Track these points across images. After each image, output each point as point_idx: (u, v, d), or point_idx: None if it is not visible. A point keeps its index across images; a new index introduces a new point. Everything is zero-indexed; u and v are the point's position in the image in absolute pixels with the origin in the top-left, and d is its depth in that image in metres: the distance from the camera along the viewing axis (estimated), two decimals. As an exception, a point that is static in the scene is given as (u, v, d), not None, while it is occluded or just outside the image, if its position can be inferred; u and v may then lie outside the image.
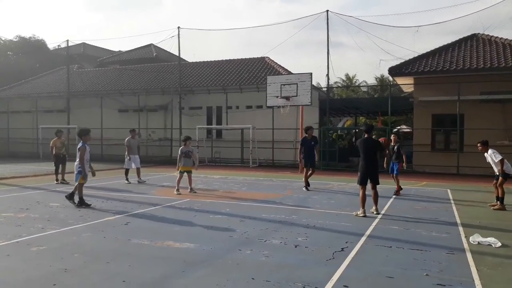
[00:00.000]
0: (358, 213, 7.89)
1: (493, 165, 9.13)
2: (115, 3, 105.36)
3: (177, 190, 10.74)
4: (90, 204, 8.78)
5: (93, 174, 9.26)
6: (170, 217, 7.65)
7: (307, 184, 11.77)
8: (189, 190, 10.93)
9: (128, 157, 13.22)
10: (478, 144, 9.28)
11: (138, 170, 13.44)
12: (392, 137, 11.28)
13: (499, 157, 8.85)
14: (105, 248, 5.51)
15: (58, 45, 33.60)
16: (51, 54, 37.00)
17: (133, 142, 13.40)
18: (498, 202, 8.92)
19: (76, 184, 8.87)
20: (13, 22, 76.61)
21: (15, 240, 5.83)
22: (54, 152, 12.99)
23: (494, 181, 9.17)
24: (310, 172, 11.80)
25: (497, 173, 9.02)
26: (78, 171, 8.74)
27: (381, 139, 9.89)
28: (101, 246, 5.61)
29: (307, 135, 11.83)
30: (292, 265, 4.84)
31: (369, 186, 8.12)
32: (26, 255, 5.16)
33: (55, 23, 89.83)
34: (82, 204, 8.70)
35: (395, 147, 10.79)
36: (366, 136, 8.31)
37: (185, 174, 11.01)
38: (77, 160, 8.79)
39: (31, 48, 36.12)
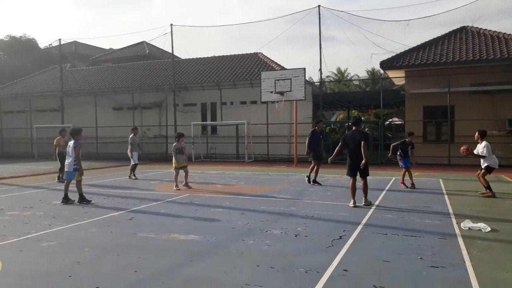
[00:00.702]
0: (349, 204, 8.16)
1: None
2: (105, 0, 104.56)
3: (176, 186, 10.96)
4: (91, 201, 8.97)
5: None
6: (172, 212, 7.88)
7: (315, 179, 11.55)
8: (183, 183, 11.14)
9: (131, 154, 13.68)
10: (477, 133, 9.53)
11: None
12: (408, 135, 11.30)
13: (485, 154, 9.20)
14: (113, 242, 5.72)
15: (50, 44, 33.45)
16: (43, 53, 36.85)
17: (136, 140, 14.02)
18: (487, 190, 9.27)
19: (65, 184, 9.07)
20: (3, 21, 75.84)
21: (24, 237, 6.02)
22: (57, 151, 13.07)
23: (478, 171, 9.51)
24: (316, 167, 11.53)
25: (482, 165, 9.39)
26: (74, 169, 8.85)
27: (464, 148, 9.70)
28: (109, 240, 5.83)
29: (316, 127, 11.74)
30: (294, 253, 5.10)
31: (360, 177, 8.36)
32: (38, 250, 5.36)
33: (46, 22, 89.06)
34: (82, 200, 8.88)
35: (409, 146, 11.06)
36: (354, 128, 8.54)
37: (182, 169, 11.23)
38: (71, 158, 8.88)
39: (22, 47, 35.93)
